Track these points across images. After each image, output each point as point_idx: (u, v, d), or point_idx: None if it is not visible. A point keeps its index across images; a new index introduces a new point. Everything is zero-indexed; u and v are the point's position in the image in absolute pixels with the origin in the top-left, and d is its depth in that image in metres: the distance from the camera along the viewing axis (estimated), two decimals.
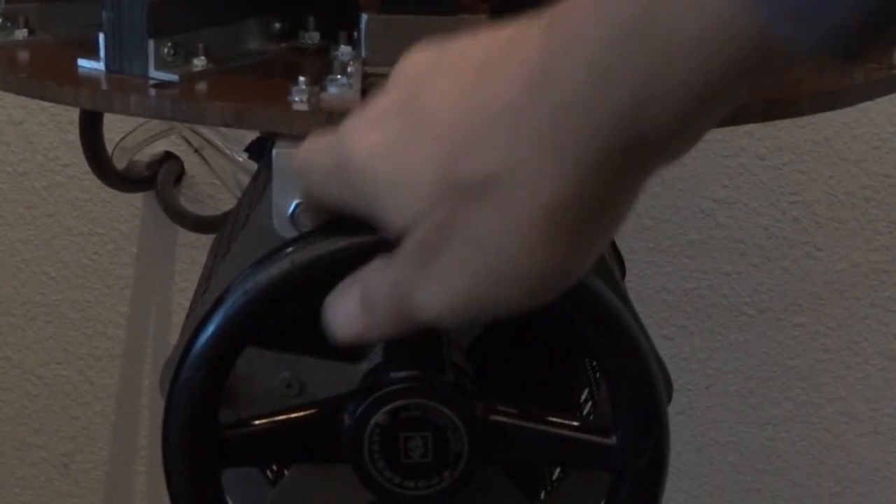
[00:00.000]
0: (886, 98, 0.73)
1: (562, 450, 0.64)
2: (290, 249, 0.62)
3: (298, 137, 0.65)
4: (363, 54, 0.68)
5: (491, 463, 0.65)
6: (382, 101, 0.51)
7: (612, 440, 0.63)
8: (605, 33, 0.42)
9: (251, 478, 0.75)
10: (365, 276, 0.54)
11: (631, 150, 0.44)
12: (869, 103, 0.73)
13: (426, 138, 0.48)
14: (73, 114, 1.21)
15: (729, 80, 0.42)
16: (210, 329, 0.62)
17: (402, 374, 0.62)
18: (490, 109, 0.46)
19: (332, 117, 0.64)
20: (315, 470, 0.69)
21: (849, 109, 0.74)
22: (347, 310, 0.54)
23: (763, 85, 0.42)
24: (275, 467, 0.79)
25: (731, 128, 1.30)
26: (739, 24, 0.40)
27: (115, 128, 1.29)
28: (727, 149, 1.36)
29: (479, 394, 0.63)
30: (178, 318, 1.41)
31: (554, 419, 0.64)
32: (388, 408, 0.63)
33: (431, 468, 0.63)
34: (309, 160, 0.55)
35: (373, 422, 0.63)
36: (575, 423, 0.64)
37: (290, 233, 0.64)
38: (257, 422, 0.65)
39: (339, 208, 0.54)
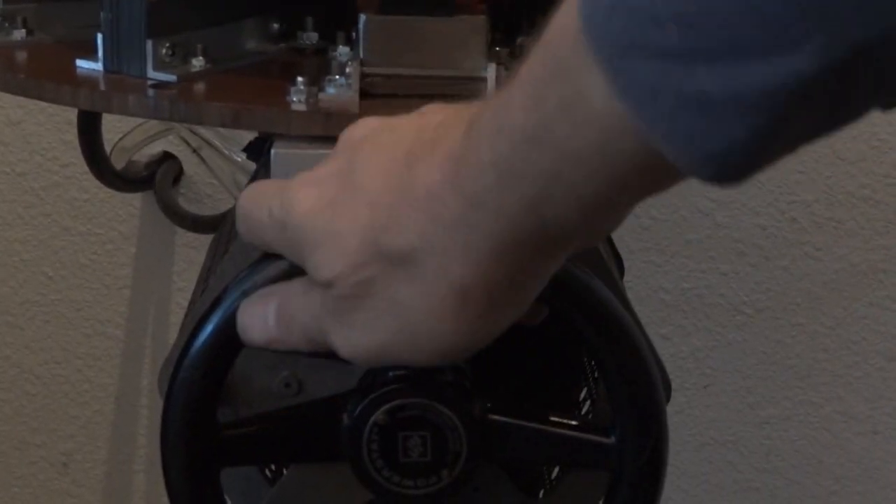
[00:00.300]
0: None
1: (560, 449, 0.64)
2: None
3: (297, 138, 0.65)
4: (361, 55, 0.68)
5: (490, 462, 0.65)
6: (326, 165, 0.54)
7: (611, 440, 0.63)
8: (507, 141, 0.45)
9: (250, 477, 0.75)
10: (286, 293, 0.57)
11: (537, 242, 0.48)
12: None
13: (356, 206, 0.51)
14: (72, 114, 1.21)
15: (621, 187, 0.45)
16: (208, 328, 0.62)
17: (401, 372, 0.62)
18: (412, 192, 0.50)
19: (330, 117, 0.65)
20: (313, 469, 0.69)
21: None
22: (264, 317, 0.58)
23: (657, 191, 0.45)
24: (273, 467, 0.79)
25: None
26: (623, 143, 0.42)
27: (113, 128, 1.29)
28: None
29: (477, 393, 0.63)
30: (177, 317, 1.41)
31: (553, 418, 0.64)
32: (386, 407, 0.63)
33: (430, 467, 0.63)
34: (251, 206, 0.57)
35: (371, 421, 0.63)
36: (574, 423, 0.64)
37: None
38: (256, 421, 0.65)
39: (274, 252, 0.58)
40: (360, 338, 0.54)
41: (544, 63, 0.43)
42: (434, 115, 0.53)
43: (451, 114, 0.51)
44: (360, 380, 0.65)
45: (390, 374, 0.62)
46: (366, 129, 0.55)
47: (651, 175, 0.44)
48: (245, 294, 0.61)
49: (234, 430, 0.64)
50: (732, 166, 0.41)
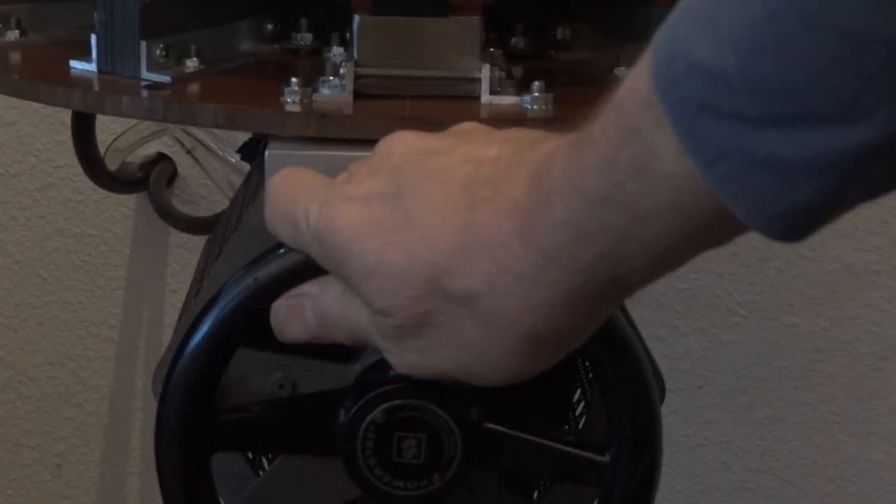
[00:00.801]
0: None
1: (554, 463, 0.64)
2: (282, 251, 0.62)
3: (291, 139, 0.65)
4: (355, 56, 0.68)
5: (482, 469, 0.65)
6: (368, 182, 0.53)
7: (605, 458, 0.63)
8: (580, 201, 0.46)
9: (238, 470, 0.75)
10: (323, 295, 0.57)
11: (606, 292, 0.49)
12: None
13: (410, 238, 0.51)
14: (66, 115, 1.21)
15: (690, 242, 0.46)
16: (203, 330, 0.62)
17: (395, 372, 0.62)
18: (477, 237, 0.49)
19: (324, 118, 0.64)
20: (302, 462, 0.69)
21: None
22: (301, 317, 0.58)
23: (723, 242, 0.47)
24: (265, 466, 0.79)
25: None
26: (693, 202, 0.43)
27: (107, 129, 1.29)
28: None
29: (475, 399, 0.63)
30: (171, 319, 1.41)
31: (548, 431, 0.64)
32: (385, 406, 0.63)
33: (422, 470, 0.63)
34: (284, 200, 0.56)
35: (369, 418, 0.63)
36: (569, 438, 0.64)
37: None
38: (253, 408, 0.65)
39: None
40: (418, 360, 0.54)
41: (616, 124, 0.45)
42: (482, 142, 0.52)
43: (504, 147, 0.51)
44: (359, 376, 0.65)
45: (391, 373, 0.62)
46: (406, 148, 0.54)
47: (719, 230, 0.45)
48: (239, 295, 0.61)
49: (231, 416, 0.63)
50: (799, 225, 0.43)
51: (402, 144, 0.54)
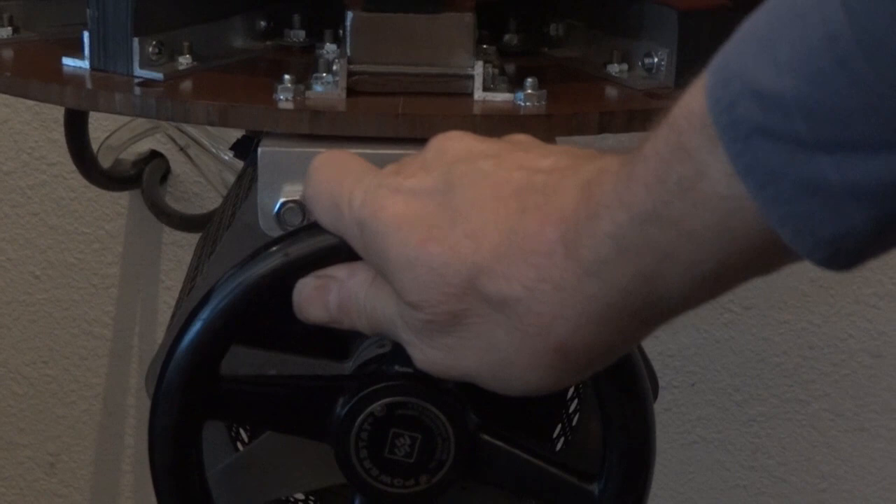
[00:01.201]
0: None
1: (541, 484, 0.64)
2: (275, 248, 0.62)
3: (284, 136, 0.65)
4: (348, 52, 0.68)
5: (469, 479, 0.65)
6: (418, 176, 0.53)
7: (593, 488, 0.63)
8: (627, 215, 0.46)
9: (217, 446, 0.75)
10: (350, 282, 0.56)
11: (644, 312, 0.48)
12: None
13: (455, 235, 0.51)
14: (58, 112, 1.21)
15: (734, 267, 0.46)
16: (196, 328, 0.62)
17: (408, 370, 0.62)
18: (522, 243, 0.49)
19: (316, 115, 0.64)
20: (287, 444, 0.68)
21: None
22: (324, 300, 0.57)
23: (767, 271, 0.47)
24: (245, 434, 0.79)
25: None
26: (740, 224, 0.43)
27: (100, 126, 1.28)
28: None
29: (475, 409, 0.63)
30: (165, 316, 1.41)
31: (541, 452, 0.64)
32: (388, 400, 0.63)
33: (411, 469, 0.63)
34: (329, 182, 0.56)
35: (369, 409, 0.63)
36: (561, 462, 0.64)
37: (275, 231, 0.64)
38: (255, 381, 0.64)
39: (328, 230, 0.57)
40: (442, 358, 0.54)
41: (668, 141, 0.45)
42: (538, 152, 0.52)
43: (560, 159, 0.51)
44: (363, 365, 0.65)
45: (397, 368, 0.62)
46: (461, 148, 0.54)
47: (765, 256, 0.45)
48: (232, 293, 0.61)
49: (233, 385, 0.63)
50: (846, 253, 0.43)
51: (457, 144, 0.54)
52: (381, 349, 0.68)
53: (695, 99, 0.44)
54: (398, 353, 0.64)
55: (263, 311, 0.62)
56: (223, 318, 0.62)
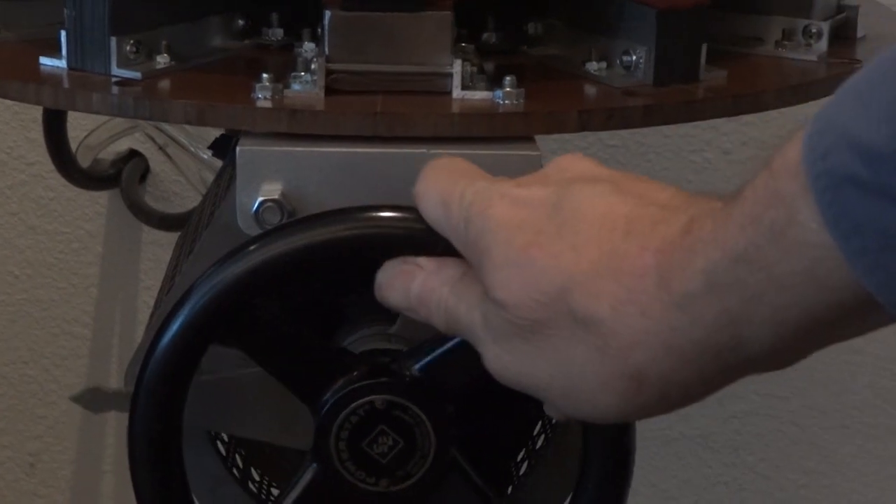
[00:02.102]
0: None
1: None
2: (253, 247, 0.62)
3: (262, 135, 0.65)
4: (326, 51, 0.68)
5: (429, 500, 0.65)
6: (533, 187, 0.54)
7: None
8: (720, 253, 0.47)
9: (216, 474, 0.75)
10: (436, 276, 0.58)
11: (724, 358, 0.49)
12: None
13: (559, 244, 0.52)
14: (37, 112, 1.21)
15: (821, 320, 0.46)
16: (175, 327, 0.62)
17: (420, 376, 0.63)
18: (619, 264, 0.50)
19: (295, 114, 0.64)
20: (268, 385, 0.68)
21: (813, 104, 0.74)
22: (405, 287, 0.58)
23: (857, 332, 0.47)
24: (240, 465, 0.78)
25: (697, 122, 1.30)
26: (829, 274, 0.44)
27: (79, 125, 1.28)
28: (692, 143, 1.37)
29: (461, 437, 0.64)
30: (144, 316, 1.40)
31: (503, 492, 0.65)
32: (394, 398, 0.63)
33: (378, 469, 0.63)
34: (445, 179, 0.57)
35: (371, 398, 0.63)
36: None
37: (253, 230, 0.64)
38: (279, 318, 0.64)
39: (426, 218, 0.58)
40: (514, 364, 0.54)
41: (765, 185, 0.45)
42: (658, 186, 0.53)
43: (676, 196, 0.52)
44: (370, 353, 0.64)
45: (414, 370, 0.63)
46: (583, 168, 0.55)
47: (853, 311, 0.45)
48: (210, 292, 0.61)
49: (258, 311, 0.63)
50: None
51: (579, 164, 0.55)
52: (388, 344, 0.68)
53: (793, 146, 0.44)
54: (415, 354, 0.64)
55: (243, 311, 0.62)
56: (202, 317, 0.62)
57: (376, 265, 0.59)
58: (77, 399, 0.69)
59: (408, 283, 0.58)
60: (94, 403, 0.69)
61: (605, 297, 0.50)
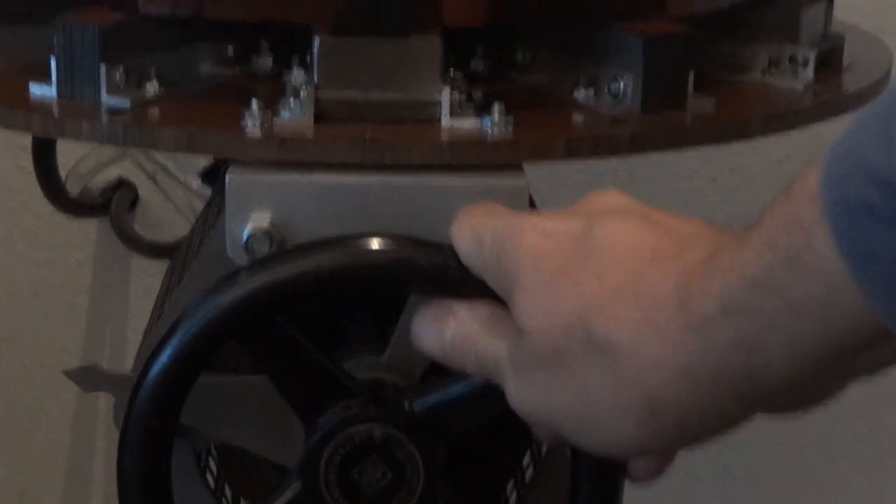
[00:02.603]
0: (837, 120, 0.73)
1: None
2: (242, 276, 0.61)
3: (251, 163, 0.65)
4: (315, 79, 0.68)
5: None
6: (563, 220, 0.56)
7: None
8: (736, 278, 0.47)
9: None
10: (470, 320, 0.58)
11: (738, 387, 0.49)
12: (820, 126, 0.74)
13: (583, 271, 0.53)
14: (26, 140, 1.21)
15: (835, 350, 0.46)
16: (164, 357, 0.62)
17: (424, 410, 0.63)
18: (640, 289, 0.51)
19: (284, 142, 0.64)
20: (264, 395, 0.67)
21: (801, 132, 0.75)
22: (440, 334, 0.59)
23: (879, 365, 0.49)
24: (229, 497, 0.78)
25: (683, 150, 1.31)
26: (843, 301, 0.44)
27: (69, 153, 1.28)
28: (679, 171, 1.37)
29: (450, 478, 0.64)
30: (134, 344, 1.40)
31: None
32: (393, 432, 0.62)
33: (360, 497, 0.63)
34: (477, 225, 0.59)
35: (370, 427, 0.63)
36: None
37: (242, 260, 0.64)
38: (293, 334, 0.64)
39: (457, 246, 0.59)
40: (533, 395, 0.55)
41: (784, 211, 0.46)
42: (691, 221, 0.54)
43: (704, 228, 0.53)
44: (375, 383, 0.64)
45: (419, 406, 0.63)
46: (613, 202, 0.56)
47: (869, 340, 0.46)
48: (199, 321, 0.60)
49: (276, 326, 0.63)
50: None
51: (609, 199, 0.56)
52: (384, 373, 0.67)
53: (811, 172, 0.45)
54: (424, 392, 0.64)
55: (232, 341, 0.62)
56: (191, 347, 0.61)
57: (376, 294, 0.60)
58: (70, 374, 0.69)
59: (441, 329, 0.59)
60: (87, 382, 0.69)
61: (624, 320, 0.51)
